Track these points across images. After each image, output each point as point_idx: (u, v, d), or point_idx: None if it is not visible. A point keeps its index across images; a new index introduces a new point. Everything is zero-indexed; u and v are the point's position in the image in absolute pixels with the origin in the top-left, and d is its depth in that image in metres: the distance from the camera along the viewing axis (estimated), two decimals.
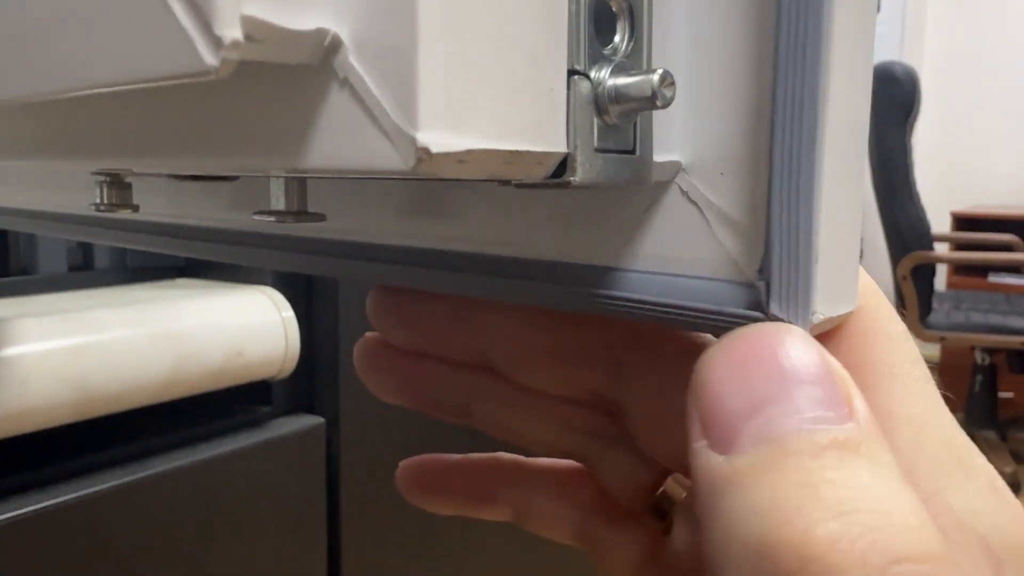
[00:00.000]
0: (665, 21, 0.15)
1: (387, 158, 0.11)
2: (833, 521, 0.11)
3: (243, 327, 0.50)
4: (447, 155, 0.11)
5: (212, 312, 0.49)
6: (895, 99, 1.91)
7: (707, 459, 0.12)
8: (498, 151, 0.12)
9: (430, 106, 0.11)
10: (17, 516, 0.40)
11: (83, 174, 0.30)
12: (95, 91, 0.12)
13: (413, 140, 0.11)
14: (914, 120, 1.95)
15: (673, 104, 0.15)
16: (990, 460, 0.15)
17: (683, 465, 0.17)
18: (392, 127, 0.11)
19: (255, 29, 0.10)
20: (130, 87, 0.11)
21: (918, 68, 2.06)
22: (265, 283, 0.53)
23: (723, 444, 0.12)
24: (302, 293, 0.54)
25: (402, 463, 0.24)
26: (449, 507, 0.23)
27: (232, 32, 0.10)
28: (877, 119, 1.87)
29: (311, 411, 0.56)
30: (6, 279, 0.52)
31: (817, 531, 0.11)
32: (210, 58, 0.10)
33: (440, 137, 0.11)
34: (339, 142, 0.12)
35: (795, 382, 0.12)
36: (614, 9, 0.14)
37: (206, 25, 0.10)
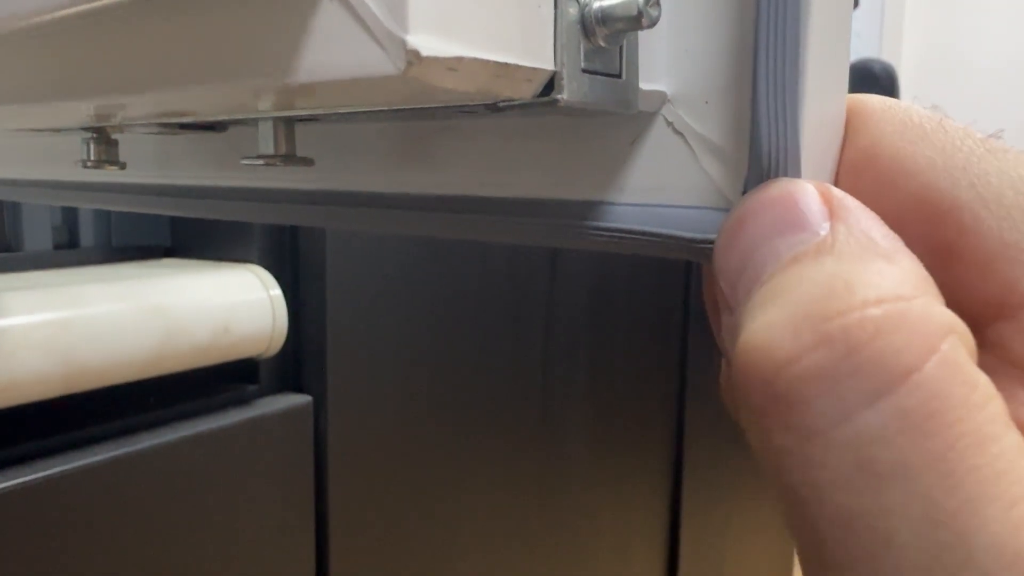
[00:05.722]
0: None
1: (379, 64, 0.11)
2: (776, 310, 0.11)
3: (230, 304, 0.50)
4: (437, 60, 0.11)
5: (199, 289, 0.49)
6: None
7: (727, 327, 0.13)
8: (488, 61, 0.12)
9: (420, 11, 0.11)
10: (1, 490, 0.40)
11: (70, 142, 0.30)
12: (91, 6, 0.12)
13: (403, 43, 0.11)
14: None
15: (658, 34, 0.15)
16: None
17: None
18: (383, 32, 0.11)
19: None
20: None
21: (897, 65, 2.07)
22: (253, 261, 0.53)
23: (730, 308, 0.13)
24: (290, 272, 0.54)
25: None
26: None
27: None
28: None
29: (299, 390, 0.56)
30: None
31: (757, 329, 0.11)
32: None
33: (430, 42, 0.11)
34: (331, 52, 0.12)
35: (767, 226, 0.12)
36: None
37: None
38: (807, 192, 0.13)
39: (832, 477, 0.10)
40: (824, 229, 0.12)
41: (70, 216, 0.56)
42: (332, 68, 0.12)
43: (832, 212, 0.12)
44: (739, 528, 1.12)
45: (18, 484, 0.41)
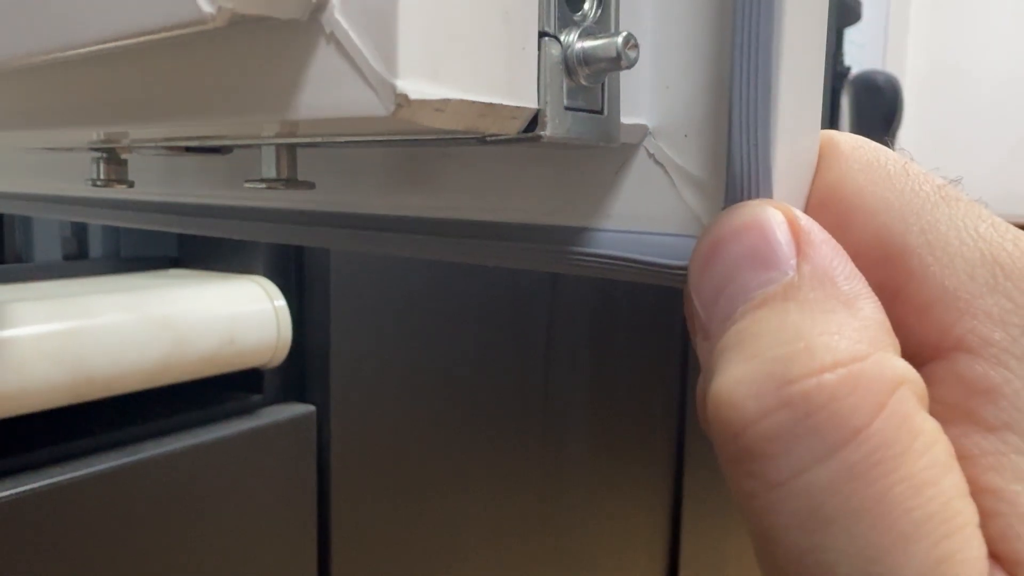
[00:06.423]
0: None
1: (370, 105, 0.12)
2: (744, 366, 0.12)
3: (235, 315, 0.51)
4: (425, 102, 0.12)
5: (205, 300, 0.50)
6: (877, 108, 1.92)
7: (701, 349, 0.14)
8: (474, 102, 0.12)
9: (409, 57, 0.12)
10: (9, 497, 0.41)
11: (81, 158, 0.31)
12: (98, 48, 0.13)
13: (393, 87, 0.12)
14: (896, 129, 1.96)
15: (640, 71, 0.16)
16: None
17: None
18: (374, 76, 0.12)
19: None
20: (133, 41, 0.12)
21: (900, 77, 2.07)
22: (258, 273, 0.54)
23: (705, 334, 0.13)
24: (294, 283, 0.55)
25: None
26: None
27: None
28: (859, 128, 1.88)
29: (302, 400, 0.56)
30: (1, 266, 0.53)
31: (726, 383, 0.12)
32: (207, 6, 0.11)
33: (418, 85, 0.12)
34: (326, 93, 0.12)
35: (739, 256, 0.13)
36: None
37: None
38: (777, 223, 0.13)
39: (787, 521, 0.12)
40: (791, 269, 0.13)
41: (79, 227, 0.57)
42: (327, 107, 0.13)
43: (799, 248, 0.13)
44: (740, 533, 1.12)
45: (27, 491, 0.41)
